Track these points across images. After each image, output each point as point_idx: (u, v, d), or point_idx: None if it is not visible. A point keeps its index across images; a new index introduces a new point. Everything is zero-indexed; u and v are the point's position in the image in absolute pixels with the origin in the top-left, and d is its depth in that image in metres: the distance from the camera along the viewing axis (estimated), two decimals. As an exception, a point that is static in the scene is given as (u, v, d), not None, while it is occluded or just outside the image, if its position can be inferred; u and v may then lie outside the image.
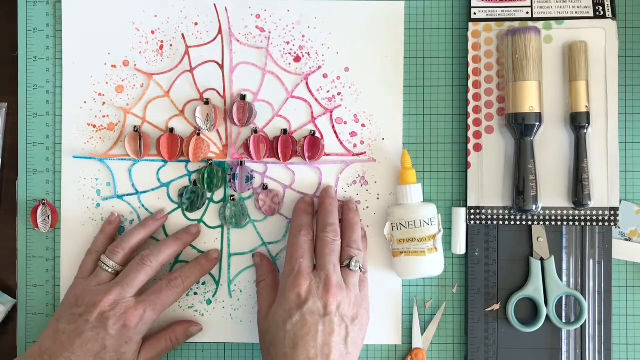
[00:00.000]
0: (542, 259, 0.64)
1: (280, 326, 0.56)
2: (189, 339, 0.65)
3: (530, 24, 0.64)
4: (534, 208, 0.62)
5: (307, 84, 0.66)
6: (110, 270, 0.61)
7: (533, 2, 0.64)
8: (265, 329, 0.58)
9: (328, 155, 0.66)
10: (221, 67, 0.66)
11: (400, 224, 0.62)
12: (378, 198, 0.66)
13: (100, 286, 0.60)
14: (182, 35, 0.66)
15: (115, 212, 0.65)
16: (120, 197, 0.66)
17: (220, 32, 0.66)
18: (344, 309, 0.57)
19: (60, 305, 0.60)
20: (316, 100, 0.66)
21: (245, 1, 0.66)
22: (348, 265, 0.59)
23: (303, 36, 0.66)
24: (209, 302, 0.66)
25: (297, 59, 0.66)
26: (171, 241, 0.64)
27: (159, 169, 0.66)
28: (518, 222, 0.64)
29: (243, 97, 0.65)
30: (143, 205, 0.66)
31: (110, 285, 0.59)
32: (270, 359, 0.57)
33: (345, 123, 0.66)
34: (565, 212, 0.64)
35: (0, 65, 0.68)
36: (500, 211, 0.64)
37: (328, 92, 0.66)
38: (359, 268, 0.60)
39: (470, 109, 0.65)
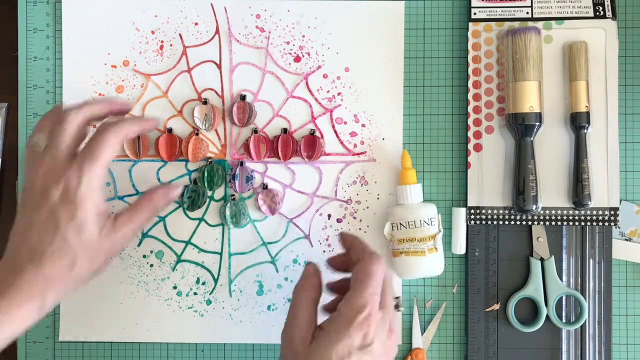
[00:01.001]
0: (542, 259, 0.64)
1: None
2: (168, 206, 0.60)
3: (530, 24, 0.64)
4: (534, 208, 0.62)
5: (307, 83, 0.66)
6: (40, 147, 0.54)
7: (533, 2, 0.64)
8: (308, 357, 0.51)
9: (328, 154, 0.66)
10: (219, 66, 0.66)
11: (400, 224, 0.62)
12: (378, 198, 0.66)
13: (34, 165, 0.54)
14: (180, 35, 0.66)
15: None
16: (121, 197, 0.66)
17: (217, 31, 0.66)
18: (389, 352, 0.53)
19: (17, 208, 0.55)
20: (316, 100, 0.66)
21: (245, 1, 0.66)
22: (397, 305, 0.56)
23: (303, 36, 0.66)
24: (208, 302, 0.66)
25: (297, 59, 0.66)
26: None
27: (159, 169, 0.66)
28: (518, 222, 0.64)
29: (243, 97, 0.65)
30: (143, 205, 0.66)
31: (39, 160, 0.53)
32: None
33: (345, 123, 0.66)
34: (565, 212, 0.64)
35: (0, 65, 0.68)
36: (500, 211, 0.64)
37: (328, 92, 0.66)
38: (399, 309, 0.57)
39: (470, 109, 0.65)
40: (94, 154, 0.53)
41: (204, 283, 0.66)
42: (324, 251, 0.66)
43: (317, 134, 0.66)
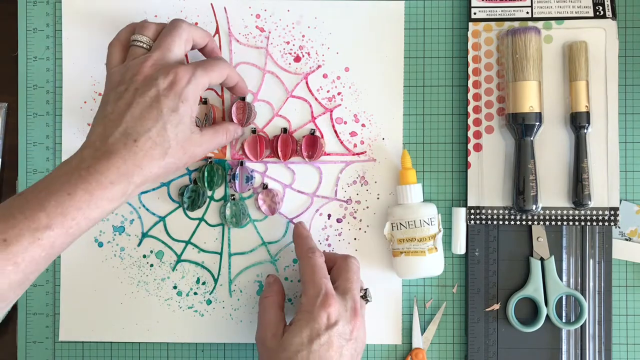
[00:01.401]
0: (542, 259, 0.64)
1: (306, 345, 0.54)
2: (234, 138, 0.63)
3: (530, 24, 0.64)
4: (534, 208, 0.62)
5: (307, 83, 0.66)
6: (144, 45, 0.57)
7: (533, 2, 0.64)
8: (280, 347, 0.55)
9: (328, 154, 0.66)
10: (221, 67, 0.66)
11: (400, 223, 0.62)
12: (378, 198, 0.66)
13: (137, 58, 0.56)
14: (182, 35, 0.66)
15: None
16: (120, 197, 0.66)
17: (217, 31, 0.66)
18: (359, 335, 0.56)
19: (101, 101, 0.56)
20: (316, 99, 0.66)
21: (245, 1, 0.66)
22: (364, 295, 0.60)
23: (303, 36, 0.66)
24: (209, 302, 0.66)
25: (297, 59, 0.66)
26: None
27: (159, 169, 0.66)
28: (518, 222, 0.64)
29: (242, 98, 0.65)
30: (144, 205, 0.66)
31: (147, 55, 0.56)
32: None
33: (345, 123, 0.66)
34: (565, 212, 0.64)
35: (0, 65, 0.68)
36: (500, 211, 0.64)
37: (328, 92, 0.66)
38: (367, 300, 0.60)
39: (470, 109, 0.65)
40: (209, 67, 0.57)
41: (204, 283, 0.66)
42: (324, 251, 0.66)
43: (317, 133, 0.66)
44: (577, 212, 0.63)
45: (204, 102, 0.65)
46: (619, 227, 0.65)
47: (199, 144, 0.56)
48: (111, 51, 0.58)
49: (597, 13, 0.64)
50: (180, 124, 0.54)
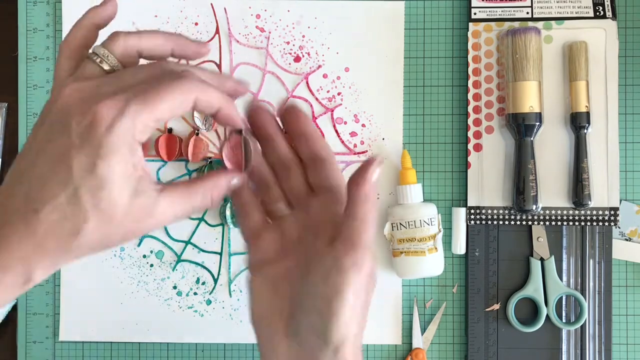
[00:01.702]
0: (542, 259, 0.64)
1: None
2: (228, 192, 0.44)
3: (530, 24, 0.64)
4: (534, 208, 0.62)
5: (307, 83, 0.66)
6: (105, 66, 0.40)
7: (533, 2, 0.64)
8: None
9: (328, 155, 0.66)
10: (219, 67, 0.66)
11: (400, 224, 0.62)
12: (378, 198, 0.66)
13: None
14: (182, 35, 0.66)
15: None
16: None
17: (217, 32, 0.66)
18: None
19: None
20: (317, 99, 0.66)
21: (245, 1, 0.66)
22: None
23: (303, 36, 0.66)
24: (208, 302, 0.66)
25: (297, 59, 0.66)
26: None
27: (159, 169, 0.66)
28: (518, 222, 0.64)
29: (239, 131, 0.43)
30: (143, 205, 0.66)
31: (78, 76, 0.39)
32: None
33: (345, 123, 0.66)
34: (565, 212, 0.64)
35: (0, 65, 0.68)
36: (500, 211, 0.64)
37: (328, 92, 0.66)
38: None
39: (470, 109, 0.65)
40: (153, 93, 0.37)
41: (204, 283, 0.66)
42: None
43: (317, 134, 0.66)
44: (577, 212, 0.63)
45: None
46: (619, 227, 0.65)
47: (150, 214, 0.38)
48: (58, 58, 0.42)
49: (597, 13, 0.64)
50: (102, 189, 0.36)
